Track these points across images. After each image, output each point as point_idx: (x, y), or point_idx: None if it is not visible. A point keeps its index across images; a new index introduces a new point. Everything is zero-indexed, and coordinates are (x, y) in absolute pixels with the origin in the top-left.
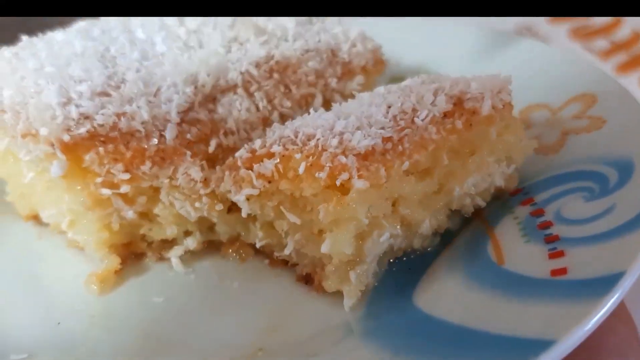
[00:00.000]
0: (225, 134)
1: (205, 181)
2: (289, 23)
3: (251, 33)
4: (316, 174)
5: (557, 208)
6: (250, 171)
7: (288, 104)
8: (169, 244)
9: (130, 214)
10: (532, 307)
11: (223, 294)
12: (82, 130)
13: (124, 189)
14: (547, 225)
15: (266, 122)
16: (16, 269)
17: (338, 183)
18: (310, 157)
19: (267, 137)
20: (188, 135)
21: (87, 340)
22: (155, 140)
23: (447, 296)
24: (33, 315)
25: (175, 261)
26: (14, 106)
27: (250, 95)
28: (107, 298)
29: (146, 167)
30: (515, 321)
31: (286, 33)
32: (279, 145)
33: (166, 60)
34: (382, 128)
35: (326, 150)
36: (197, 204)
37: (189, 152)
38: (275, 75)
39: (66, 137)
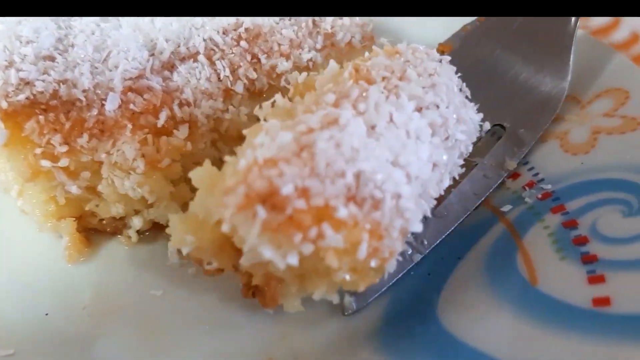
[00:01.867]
0: (180, 105)
1: (149, 159)
2: None
3: None
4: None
5: (592, 221)
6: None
7: (254, 74)
8: (120, 221)
9: (74, 188)
10: (573, 343)
11: (227, 297)
12: (21, 97)
13: (63, 162)
14: (582, 241)
15: (228, 94)
16: None
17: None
18: (374, 241)
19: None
20: (132, 106)
21: (79, 334)
22: (95, 111)
23: (474, 316)
24: (16, 305)
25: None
26: None
27: (212, 63)
28: (100, 288)
29: (83, 139)
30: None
31: None
32: (344, 204)
33: (125, 22)
34: None
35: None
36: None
37: (129, 126)
38: (243, 44)
39: (4, 104)
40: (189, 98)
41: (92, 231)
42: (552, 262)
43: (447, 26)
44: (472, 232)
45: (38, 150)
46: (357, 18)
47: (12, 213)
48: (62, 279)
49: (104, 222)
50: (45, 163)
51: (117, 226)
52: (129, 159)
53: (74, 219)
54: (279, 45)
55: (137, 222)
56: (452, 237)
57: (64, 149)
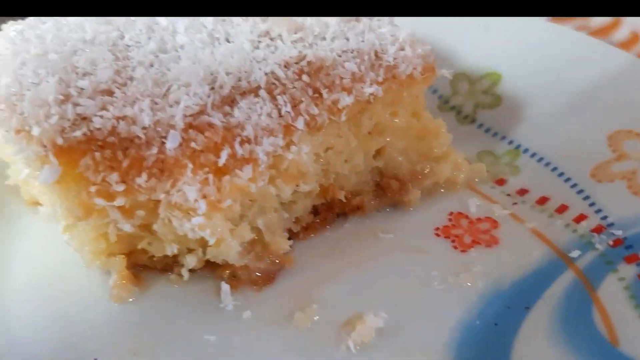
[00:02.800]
0: (241, 143)
1: (210, 200)
2: (331, 20)
3: (285, 28)
4: None
5: None
6: None
7: (315, 110)
8: (171, 258)
9: (127, 227)
10: None
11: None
12: (78, 133)
13: (119, 201)
14: None
15: (288, 130)
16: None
17: None
18: None
19: None
20: (193, 144)
21: None
22: (155, 149)
23: None
24: (62, 351)
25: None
26: (10, 97)
27: (274, 98)
28: (150, 331)
29: (142, 179)
30: None
31: (325, 30)
32: None
33: (185, 54)
34: None
35: None
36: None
37: (190, 166)
38: (305, 77)
39: (60, 140)
40: (250, 135)
41: (141, 267)
42: (632, 320)
43: (505, 53)
44: (538, 278)
45: (93, 188)
46: (420, 49)
47: (56, 245)
48: (109, 321)
49: (155, 258)
50: (100, 201)
51: (168, 263)
52: (190, 200)
53: (124, 255)
54: (341, 78)
55: (191, 261)
56: (516, 283)
57: (121, 187)
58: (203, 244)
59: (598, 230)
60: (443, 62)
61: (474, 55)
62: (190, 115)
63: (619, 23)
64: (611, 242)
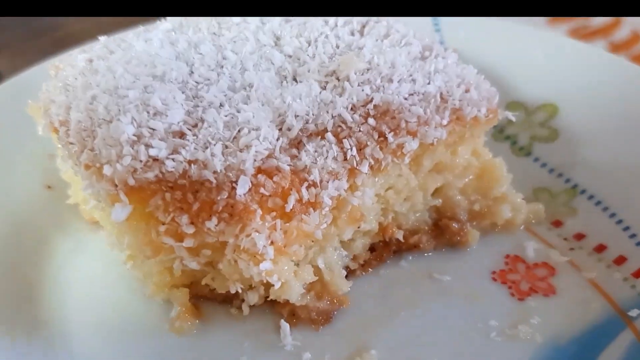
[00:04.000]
0: (308, 187)
1: (277, 246)
2: (398, 57)
3: (353, 68)
4: None
5: None
6: None
7: (380, 154)
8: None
9: (194, 264)
10: None
11: None
12: (150, 174)
13: (188, 242)
14: None
15: (352, 173)
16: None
17: None
18: None
19: None
20: (262, 190)
21: None
22: (225, 194)
23: None
24: None
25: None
26: (81, 132)
27: (340, 142)
28: None
29: (212, 222)
30: None
31: (393, 71)
32: None
33: (254, 94)
34: None
35: None
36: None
37: (259, 212)
38: (371, 121)
39: (131, 181)
40: (316, 179)
41: (201, 298)
42: None
43: (564, 84)
44: (596, 336)
45: (162, 228)
46: (485, 91)
47: (117, 268)
48: (172, 355)
49: (216, 291)
50: (169, 241)
51: (229, 296)
52: (259, 247)
53: (187, 288)
54: (407, 122)
55: (252, 298)
56: (575, 339)
57: (191, 230)
58: (266, 282)
59: None
60: (498, 90)
61: (530, 84)
62: (260, 160)
63: (619, 23)
64: None
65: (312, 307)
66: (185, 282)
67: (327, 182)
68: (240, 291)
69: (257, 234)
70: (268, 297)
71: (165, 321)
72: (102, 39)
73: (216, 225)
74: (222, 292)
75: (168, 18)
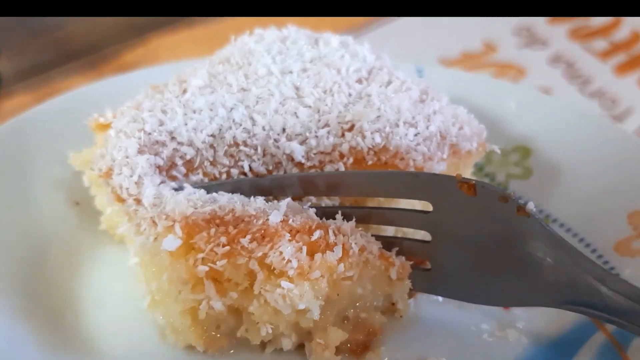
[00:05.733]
0: (335, 233)
1: (300, 265)
2: (402, 103)
3: (365, 118)
4: None
5: None
6: None
7: None
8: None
9: (219, 305)
10: None
11: None
12: (207, 209)
13: (220, 263)
14: None
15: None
16: None
17: None
18: None
19: None
20: (291, 221)
21: None
22: (260, 221)
23: None
24: None
25: None
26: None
27: None
28: None
29: (246, 240)
30: None
31: (399, 116)
32: None
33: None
34: None
35: None
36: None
37: (287, 235)
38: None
39: (189, 212)
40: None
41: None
42: None
43: (534, 128)
44: (570, 339)
45: (200, 255)
46: (475, 127)
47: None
48: None
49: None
50: (202, 268)
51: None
52: (285, 259)
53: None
54: (414, 160)
55: (286, 344)
56: (549, 342)
57: (225, 250)
58: (298, 329)
59: None
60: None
61: (504, 129)
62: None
63: (619, 23)
64: None
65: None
66: (206, 332)
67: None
68: (270, 334)
69: (285, 247)
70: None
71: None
72: (147, 104)
73: (249, 243)
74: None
75: (198, 71)
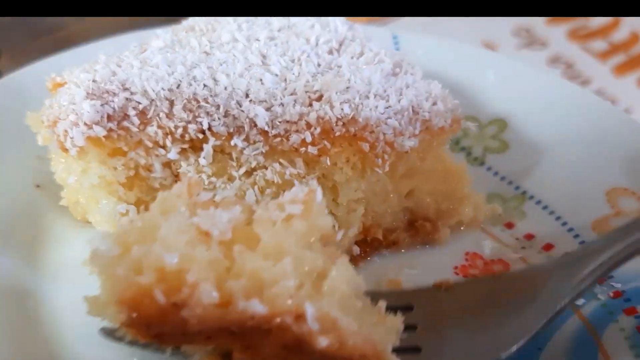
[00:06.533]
0: None
1: None
2: (374, 75)
3: (334, 88)
4: None
5: None
6: None
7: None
8: None
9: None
10: None
11: None
12: None
13: None
14: None
15: None
16: None
17: None
18: None
19: None
20: None
21: None
22: None
23: None
24: None
25: None
26: None
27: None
28: None
29: None
30: None
31: (369, 88)
32: None
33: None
34: None
35: None
36: None
37: None
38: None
39: None
40: None
41: None
42: None
43: (511, 101)
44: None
45: None
46: (450, 104)
47: None
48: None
49: None
50: None
51: None
52: None
53: None
54: (384, 134)
55: None
56: None
57: None
58: None
59: (600, 281)
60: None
61: (481, 101)
62: None
63: (618, 23)
64: (611, 294)
65: None
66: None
67: None
68: None
69: None
70: None
71: None
72: (102, 58)
73: None
74: None
75: (160, 35)
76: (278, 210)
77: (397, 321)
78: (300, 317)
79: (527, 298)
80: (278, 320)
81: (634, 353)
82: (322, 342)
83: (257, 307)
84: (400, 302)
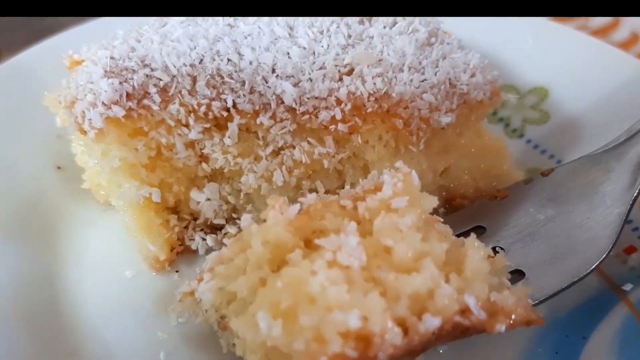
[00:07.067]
0: None
1: None
2: (407, 46)
3: (366, 62)
4: None
5: None
6: None
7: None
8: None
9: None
10: None
11: None
12: None
13: None
14: None
15: None
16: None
17: None
18: None
19: None
20: None
21: None
22: None
23: None
24: None
25: None
26: None
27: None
28: None
29: None
30: None
31: (403, 60)
32: None
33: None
34: None
35: None
36: None
37: None
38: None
39: None
40: None
41: None
42: None
43: (553, 68)
44: (592, 309)
45: None
46: (489, 75)
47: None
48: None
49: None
50: None
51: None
52: None
53: None
54: (419, 110)
55: None
56: (574, 312)
57: None
58: None
59: None
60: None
61: (521, 68)
62: None
63: (618, 23)
64: None
65: None
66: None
67: None
68: None
69: None
70: None
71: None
72: (121, 33)
73: None
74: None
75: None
76: (384, 210)
77: (503, 260)
78: (465, 311)
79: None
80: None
81: None
82: (500, 328)
83: (433, 322)
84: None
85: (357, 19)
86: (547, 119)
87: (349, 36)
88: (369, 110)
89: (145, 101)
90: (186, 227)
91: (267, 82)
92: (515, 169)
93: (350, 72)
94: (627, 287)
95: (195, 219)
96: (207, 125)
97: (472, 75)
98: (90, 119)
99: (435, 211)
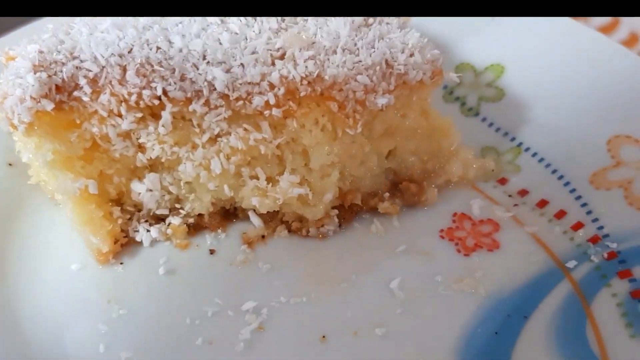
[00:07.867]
0: None
1: None
2: (342, 28)
3: (298, 45)
4: None
5: None
6: None
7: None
8: None
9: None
10: None
11: None
12: None
13: None
14: None
15: None
16: None
17: None
18: None
19: None
20: None
21: None
22: None
23: None
24: None
25: None
26: None
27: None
28: None
29: None
30: None
31: (337, 42)
32: None
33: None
34: None
35: None
36: None
37: None
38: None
39: None
40: None
41: None
42: (622, 340)
43: (510, 45)
44: (536, 287)
45: None
46: (429, 54)
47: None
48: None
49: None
50: None
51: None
52: None
53: None
54: (354, 92)
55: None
56: (516, 290)
57: None
58: None
59: (594, 240)
60: (448, 52)
61: (478, 46)
62: None
63: (618, 23)
64: (606, 255)
65: None
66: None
67: None
68: None
69: None
70: None
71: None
72: (50, 26)
73: None
74: None
75: None
76: None
77: None
78: None
79: None
80: None
81: (626, 321)
82: None
83: None
84: None
85: None
86: (502, 96)
87: (282, 20)
88: (303, 94)
89: (76, 93)
90: (130, 219)
91: (197, 69)
92: (466, 148)
93: (282, 56)
94: (571, 264)
95: (139, 211)
96: (140, 115)
97: (411, 55)
98: (19, 114)
99: (380, 194)
